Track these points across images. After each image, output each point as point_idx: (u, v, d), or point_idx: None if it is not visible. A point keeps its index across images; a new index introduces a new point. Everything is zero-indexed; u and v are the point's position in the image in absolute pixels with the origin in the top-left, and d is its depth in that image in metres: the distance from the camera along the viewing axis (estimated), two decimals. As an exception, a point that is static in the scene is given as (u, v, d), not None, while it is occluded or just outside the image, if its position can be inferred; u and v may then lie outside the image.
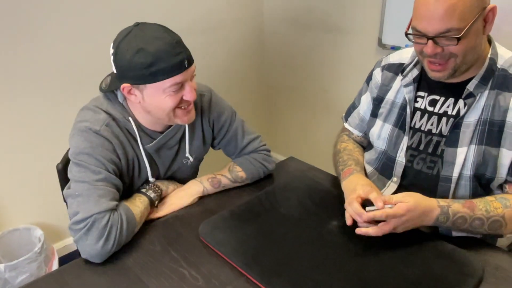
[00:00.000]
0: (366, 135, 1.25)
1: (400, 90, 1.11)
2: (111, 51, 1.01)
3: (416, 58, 1.07)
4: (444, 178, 1.03)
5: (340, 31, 2.21)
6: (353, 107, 1.28)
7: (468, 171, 1.00)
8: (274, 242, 0.99)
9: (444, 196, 1.03)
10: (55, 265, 1.88)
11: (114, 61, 1.01)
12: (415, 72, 1.07)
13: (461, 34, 0.86)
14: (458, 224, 0.94)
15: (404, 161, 1.10)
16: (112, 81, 1.06)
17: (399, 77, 1.12)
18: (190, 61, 1.01)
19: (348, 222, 0.98)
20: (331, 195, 1.18)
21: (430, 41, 0.90)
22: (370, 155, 1.23)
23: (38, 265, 1.77)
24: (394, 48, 1.94)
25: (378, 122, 1.16)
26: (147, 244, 1.04)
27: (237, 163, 1.27)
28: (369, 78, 1.23)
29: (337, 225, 1.04)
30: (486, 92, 0.97)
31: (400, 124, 1.11)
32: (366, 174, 1.22)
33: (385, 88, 1.16)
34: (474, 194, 1.02)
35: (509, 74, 0.96)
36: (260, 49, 2.64)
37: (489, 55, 0.97)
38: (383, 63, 1.19)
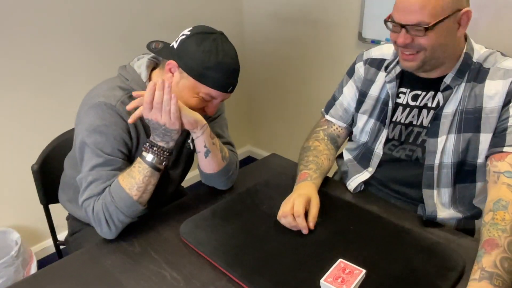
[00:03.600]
0: (349, 126, 1.26)
1: (384, 86, 1.15)
2: (187, 32, 1.04)
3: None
4: (428, 166, 1.08)
5: (321, 25, 2.20)
6: (334, 99, 1.29)
7: (449, 159, 1.06)
8: (256, 240, 0.98)
9: (429, 183, 1.08)
10: (33, 269, 1.83)
11: (183, 41, 1.03)
12: (398, 69, 1.11)
13: (428, 26, 0.93)
14: (509, 265, 0.80)
15: (381, 153, 1.16)
16: (164, 50, 1.07)
17: (382, 73, 1.16)
18: (231, 90, 1.07)
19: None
20: (314, 191, 1.17)
21: (402, 30, 0.96)
22: (351, 144, 1.30)
23: (16, 269, 1.72)
24: (374, 42, 1.94)
25: (363, 117, 1.20)
26: (126, 246, 1.01)
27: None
28: (351, 71, 1.24)
29: (320, 222, 1.03)
30: (463, 84, 1.03)
31: (382, 118, 1.16)
32: (343, 161, 1.30)
33: (368, 82, 1.18)
34: (455, 181, 1.08)
35: (483, 67, 1.02)
36: (240, 43, 2.61)
37: (464, 50, 1.03)
38: (365, 57, 1.21)
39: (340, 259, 0.89)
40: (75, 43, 1.87)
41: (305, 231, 0.98)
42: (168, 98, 0.96)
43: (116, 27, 1.96)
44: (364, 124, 1.20)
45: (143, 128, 1.10)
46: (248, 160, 2.88)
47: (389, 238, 0.98)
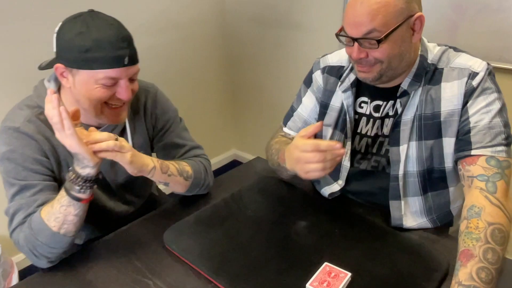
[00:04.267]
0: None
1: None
2: (56, 29, 0.95)
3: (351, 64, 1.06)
4: (393, 177, 1.05)
5: (303, 29, 2.20)
6: (292, 110, 1.22)
7: (414, 168, 1.03)
8: (242, 246, 0.97)
9: (395, 194, 1.05)
10: (14, 279, 1.78)
11: (56, 39, 0.94)
12: (352, 77, 1.06)
13: (382, 37, 0.88)
14: (486, 275, 0.78)
15: (348, 165, 1.11)
16: (51, 60, 0.98)
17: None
18: (133, 60, 0.95)
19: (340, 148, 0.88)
20: (299, 195, 1.17)
21: (355, 44, 0.92)
22: None
23: (-4, 280, 1.67)
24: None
25: (328, 129, 1.14)
26: (109, 255, 0.99)
27: (183, 160, 1.15)
28: (308, 81, 1.19)
29: (305, 226, 1.03)
30: (420, 89, 0.99)
31: (345, 130, 1.11)
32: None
33: (328, 93, 1.13)
34: (425, 190, 1.05)
35: (438, 68, 0.99)
36: (223, 47, 2.60)
37: (419, 53, 0.99)
38: (322, 65, 1.15)
39: (326, 263, 0.89)
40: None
41: (342, 150, 0.87)
42: (57, 113, 0.82)
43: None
44: (330, 137, 1.14)
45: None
46: (234, 164, 2.87)
47: (375, 240, 0.98)
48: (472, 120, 0.94)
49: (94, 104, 0.96)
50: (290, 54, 2.33)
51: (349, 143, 1.10)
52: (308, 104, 1.18)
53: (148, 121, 1.16)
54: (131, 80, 0.98)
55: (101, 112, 0.98)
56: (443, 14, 1.66)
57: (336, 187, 1.16)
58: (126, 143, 0.92)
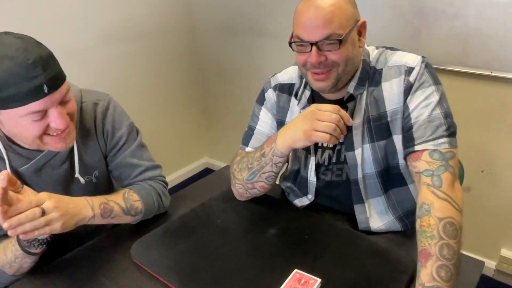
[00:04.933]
0: None
1: (299, 112, 1.09)
2: None
3: (304, 80, 1.06)
4: (353, 181, 1.06)
5: (272, 35, 2.22)
6: (251, 130, 1.19)
7: (372, 169, 1.04)
8: (211, 257, 0.96)
9: (358, 197, 1.06)
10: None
11: None
12: (308, 93, 1.07)
13: (342, 38, 0.90)
14: (446, 273, 0.79)
15: (315, 180, 1.12)
16: None
17: (294, 98, 1.11)
18: (54, 85, 0.84)
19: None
20: (269, 202, 1.17)
21: (314, 48, 0.92)
22: (285, 172, 1.25)
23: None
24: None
25: None
26: (72, 271, 0.96)
27: (134, 189, 1.07)
28: (261, 99, 1.17)
29: (275, 233, 1.03)
30: (364, 92, 1.01)
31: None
32: (282, 190, 1.27)
33: (282, 110, 1.13)
34: (386, 188, 1.07)
35: (377, 69, 1.00)
36: (192, 55, 2.59)
37: (361, 57, 1.01)
38: (273, 83, 1.15)
39: (296, 270, 0.89)
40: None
41: (351, 121, 0.94)
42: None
43: (54, 42, 1.89)
44: (293, 153, 1.14)
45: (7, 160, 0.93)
46: (206, 172, 2.85)
47: (344, 245, 0.99)
48: (413, 115, 0.96)
49: (30, 141, 0.89)
50: (260, 61, 2.34)
51: (312, 158, 1.11)
52: (266, 120, 1.16)
53: (100, 137, 1.08)
54: (63, 102, 0.88)
55: (43, 143, 0.90)
56: (406, 21, 1.71)
57: (306, 200, 1.17)
58: (51, 206, 0.82)
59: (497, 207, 1.80)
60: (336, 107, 0.92)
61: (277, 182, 1.29)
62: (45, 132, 0.88)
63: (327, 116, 0.91)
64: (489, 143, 1.73)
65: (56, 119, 0.86)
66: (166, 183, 1.18)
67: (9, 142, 0.94)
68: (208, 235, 1.03)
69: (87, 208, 0.93)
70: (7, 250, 0.90)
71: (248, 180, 1.08)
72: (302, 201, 1.18)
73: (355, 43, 0.96)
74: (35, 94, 0.81)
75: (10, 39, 0.83)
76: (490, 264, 1.91)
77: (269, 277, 0.89)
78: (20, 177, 0.96)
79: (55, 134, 0.90)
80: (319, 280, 0.86)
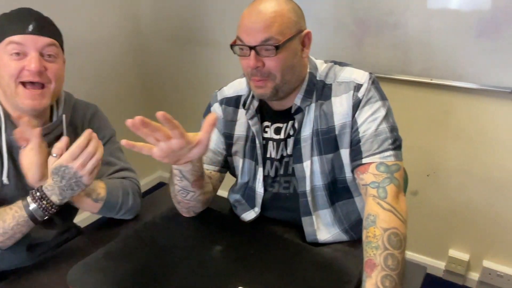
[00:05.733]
0: (222, 169, 1.17)
1: (249, 124, 1.09)
2: None
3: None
4: (301, 193, 1.07)
5: (221, 46, 2.21)
6: None
7: (320, 182, 1.05)
8: (154, 279, 0.91)
9: (306, 210, 1.07)
10: None
11: None
12: (256, 104, 1.07)
13: (279, 44, 0.91)
14: (390, 283, 0.80)
15: (262, 191, 1.12)
16: None
17: (241, 110, 1.11)
18: (39, 31, 0.97)
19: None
20: (215, 219, 1.14)
21: (252, 53, 0.93)
22: (235, 186, 1.23)
23: None
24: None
25: (237, 158, 1.14)
26: (3, 304, 0.89)
27: (103, 180, 1.10)
28: (207, 114, 1.13)
29: (220, 250, 1.00)
30: (313, 105, 1.02)
31: (255, 156, 1.11)
32: (231, 203, 1.25)
33: (230, 124, 1.13)
34: (332, 201, 1.08)
35: (327, 84, 1.02)
36: (139, 67, 2.53)
37: (308, 70, 1.03)
38: (219, 97, 1.15)
39: (240, 287, 0.87)
40: None
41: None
42: (93, 151, 0.91)
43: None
44: (242, 165, 1.14)
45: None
46: (160, 186, 2.78)
47: (290, 258, 0.98)
48: (361, 130, 0.98)
49: (6, 81, 0.96)
50: (211, 72, 2.32)
51: (260, 169, 1.10)
52: (213, 135, 1.14)
53: None
54: (48, 56, 0.98)
55: (16, 93, 0.97)
56: (349, 31, 1.75)
57: (252, 214, 1.16)
58: None
59: (444, 209, 1.87)
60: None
61: (225, 196, 1.27)
62: (22, 79, 0.96)
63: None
64: (433, 148, 1.80)
65: (30, 62, 0.95)
66: (137, 185, 1.18)
67: (8, 112, 1.02)
68: (151, 256, 0.99)
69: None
70: (6, 215, 0.93)
71: (172, 194, 1.08)
72: (248, 215, 1.16)
73: (297, 53, 0.97)
74: (21, 29, 0.95)
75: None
76: (439, 265, 1.98)
77: (213, 296, 0.86)
78: (9, 147, 1.01)
79: (28, 87, 0.97)
80: None
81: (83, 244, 1.08)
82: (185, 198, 1.05)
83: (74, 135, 1.08)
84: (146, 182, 2.76)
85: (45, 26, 0.99)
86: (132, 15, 2.40)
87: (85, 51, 2.17)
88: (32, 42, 0.96)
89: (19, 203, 0.94)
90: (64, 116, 1.09)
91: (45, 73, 0.98)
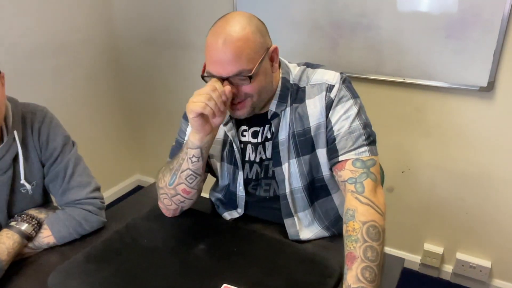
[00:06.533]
0: (206, 167, 1.12)
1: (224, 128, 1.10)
2: None
3: None
4: (282, 195, 1.09)
5: (197, 48, 2.21)
6: (179, 144, 1.16)
7: (299, 183, 1.07)
8: (137, 280, 0.91)
9: (287, 211, 1.09)
10: None
11: None
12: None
13: (252, 73, 0.92)
14: (370, 274, 0.83)
15: (244, 194, 1.13)
16: None
17: None
18: None
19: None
20: (198, 217, 1.15)
21: (225, 82, 0.93)
22: (216, 186, 1.24)
23: None
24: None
25: (215, 162, 1.15)
26: (-19, 312, 0.87)
27: (48, 223, 1.06)
28: (186, 116, 1.14)
29: (203, 249, 1.01)
30: (288, 108, 1.04)
31: (234, 160, 1.11)
32: (212, 203, 1.26)
33: None
34: (311, 201, 1.10)
35: (301, 87, 1.04)
36: (116, 71, 2.50)
37: (280, 75, 1.04)
38: None
39: (225, 284, 0.88)
40: None
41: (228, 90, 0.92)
42: None
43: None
44: (220, 168, 1.14)
45: None
46: (138, 189, 2.74)
47: (273, 254, 0.99)
48: (335, 128, 1.01)
49: None
50: (186, 73, 2.32)
51: (240, 173, 1.11)
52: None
53: (37, 146, 1.09)
54: None
55: None
56: (324, 33, 1.78)
57: (235, 214, 1.17)
58: None
59: (418, 204, 1.93)
60: (212, 80, 0.93)
61: (206, 196, 1.28)
62: None
63: (202, 89, 0.93)
64: (407, 145, 1.85)
65: None
66: (96, 205, 1.12)
67: None
68: (133, 258, 0.98)
69: (10, 239, 0.99)
70: (1, 239, 0.97)
71: (171, 186, 1.06)
72: (231, 214, 1.17)
73: (268, 72, 0.98)
74: None
75: None
76: (415, 259, 2.04)
77: (197, 295, 0.87)
78: None
79: None
80: None
81: (64, 248, 1.06)
82: (191, 185, 1.05)
83: (25, 150, 1.06)
84: (124, 186, 2.72)
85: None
86: (106, 17, 2.37)
87: (58, 54, 2.13)
88: None
89: (7, 229, 0.99)
90: (15, 132, 1.04)
91: None
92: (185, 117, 1.17)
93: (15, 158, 1.04)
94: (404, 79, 1.72)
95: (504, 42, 1.51)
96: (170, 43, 2.29)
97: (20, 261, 1.01)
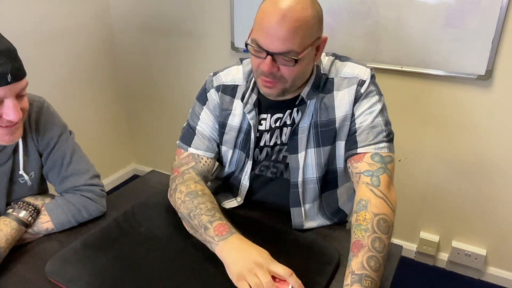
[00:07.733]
0: (216, 155, 1.15)
1: (244, 116, 1.08)
2: None
3: (252, 82, 1.06)
4: (293, 184, 1.08)
5: (194, 36, 2.19)
6: (191, 129, 1.13)
7: (314, 174, 1.07)
8: (135, 267, 0.91)
9: (296, 201, 1.08)
10: None
11: None
12: (254, 97, 1.05)
13: (299, 57, 0.89)
14: (375, 263, 0.82)
15: (248, 184, 1.13)
16: None
17: (238, 101, 1.08)
18: (17, 76, 0.87)
19: None
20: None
21: (269, 58, 0.89)
22: (219, 172, 1.23)
23: None
24: (247, 51, 1.99)
25: (227, 149, 1.13)
26: (-22, 299, 0.87)
27: (47, 209, 1.06)
28: (203, 99, 1.13)
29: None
30: (315, 97, 1.03)
31: (246, 149, 1.11)
32: (212, 188, 1.21)
33: (225, 112, 1.10)
34: (320, 193, 1.10)
35: (330, 78, 1.03)
36: (112, 58, 2.48)
37: (315, 63, 1.02)
38: (215, 83, 1.11)
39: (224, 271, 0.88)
40: None
41: None
42: None
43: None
44: (231, 156, 1.13)
45: None
46: (134, 178, 2.74)
47: (271, 242, 0.99)
48: (358, 121, 1.01)
49: None
50: (182, 62, 2.30)
51: (250, 162, 1.11)
52: (208, 121, 1.12)
53: (34, 137, 1.08)
54: (20, 96, 0.92)
55: None
56: (322, 20, 1.77)
57: (234, 203, 1.17)
58: None
59: (415, 193, 1.94)
60: (289, 271, 0.83)
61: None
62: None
63: (265, 278, 0.81)
64: (404, 133, 1.85)
65: (11, 111, 0.88)
66: (96, 192, 1.13)
67: None
68: (131, 245, 0.98)
69: (7, 226, 0.98)
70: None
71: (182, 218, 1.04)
72: (230, 204, 1.17)
73: (310, 60, 0.96)
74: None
75: None
76: (411, 247, 2.05)
77: (196, 281, 0.87)
78: None
79: (4, 125, 0.91)
80: None
81: (61, 235, 1.06)
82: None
83: (23, 141, 1.05)
84: (121, 175, 2.72)
85: (19, 66, 0.90)
86: (102, 5, 2.33)
87: (55, 42, 2.10)
88: (10, 92, 0.87)
89: (4, 216, 0.99)
90: None
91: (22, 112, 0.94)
92: (200, 100, 1.14)
93: (15, 149, 1.04)
94: (402, 67, 1.72)
95: (502, 30, 1.51)
96: (166, 31, 2.27)
97: (18, 248, 1.00)
